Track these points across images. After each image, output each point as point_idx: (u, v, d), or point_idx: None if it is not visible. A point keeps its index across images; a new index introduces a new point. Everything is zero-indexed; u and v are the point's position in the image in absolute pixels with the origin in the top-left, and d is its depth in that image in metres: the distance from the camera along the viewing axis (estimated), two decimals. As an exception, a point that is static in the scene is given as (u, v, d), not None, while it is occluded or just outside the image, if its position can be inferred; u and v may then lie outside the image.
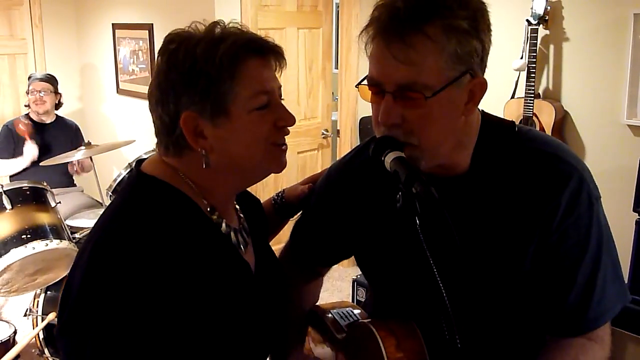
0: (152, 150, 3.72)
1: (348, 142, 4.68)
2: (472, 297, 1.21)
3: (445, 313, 1.04)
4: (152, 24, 4.41)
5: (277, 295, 1.30)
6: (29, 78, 4.30)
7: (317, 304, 1.57)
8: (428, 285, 1.08)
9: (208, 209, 1.16)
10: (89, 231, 3.28)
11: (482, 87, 1.13)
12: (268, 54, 1.14)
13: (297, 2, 4.34)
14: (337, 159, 4.76)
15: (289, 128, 1.17)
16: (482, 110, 1.26)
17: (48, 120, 4.27)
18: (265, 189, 4.35)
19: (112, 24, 4.91)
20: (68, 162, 4.10)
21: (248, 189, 1.35)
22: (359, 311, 1.48)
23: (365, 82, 1.14)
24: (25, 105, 4.30)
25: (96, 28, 5.20)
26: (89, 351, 1.01)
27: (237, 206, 1.30)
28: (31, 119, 4.21)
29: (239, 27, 1.15)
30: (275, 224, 1.54)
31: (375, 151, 1.11)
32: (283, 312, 1.32)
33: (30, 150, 4.02)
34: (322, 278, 1.62)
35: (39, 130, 4.19)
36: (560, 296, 1.19)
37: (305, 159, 4.67)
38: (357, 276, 3.78)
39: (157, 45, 4.40)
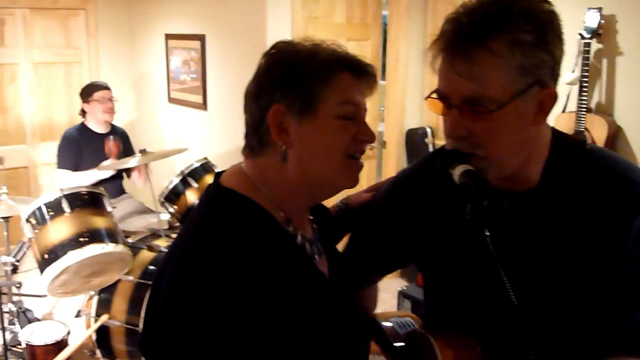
0: (203, 159, 3.82)
1: (394, 153, 4.69)
2: (537, 310, 1.22)
3: (518, 325, 1.05)
4: (204, 35, 4.51)
5: (350, 300, 1.33)
6: (89, 87, 4.18)
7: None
8: (493, 297, 1.09)
9: (285, 221, 1.18)
10: (140, 235, 3.39)
11: (552, 97, 1.13)
12: (363, 76, 1.18)
13: (346, 14, 4.39)
14: (383, 170, 4.80)
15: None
16: (554, 128, 1.26)
17: (106, 130, 4.22)
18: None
19: (165, 34, 5.03)
20: (130, 170, 4.13)
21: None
22: (418, 322, 1.50)
23: (434, 95, 1.17)
24: (80, 114, 4.25)
25: (149, 38, 5.34)
26: (177, 355, 1.05)
27: (311, 216, 1.31)
28: (88, 129, 4.17)
29: (339, 47, 1.19)
30: (339, 231, 1.56)
31: (443, 164, 1.13)
32: (358, 315, 1.35)
33: (90, 176, 3.95)
34: (377, 285, 1.63)
35: (96, 140, 4.14)
36: (626, 316, 1.19)
37: (350, 169, 4.67)
38: (403, 288, 3.78)
39: (209, 56, 4.55)
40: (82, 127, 4.18)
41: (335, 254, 1.37)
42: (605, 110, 3.47)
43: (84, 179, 3.91)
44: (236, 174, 1.20)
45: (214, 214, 1.15)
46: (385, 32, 4.71)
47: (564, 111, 3.51)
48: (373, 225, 1.48)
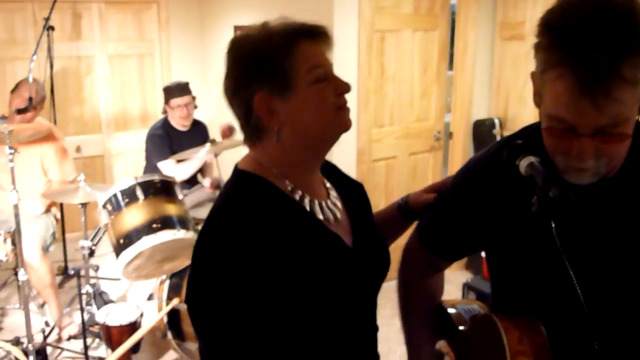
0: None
1: (461, 144, 4.64)
2: (607, 300, 1.21)
3: (583, 316, 1.05)
4: (272, 27, 4.54)
5: (377, 269, 1.40)
6: (169, 91, 4.21)
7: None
8: (560, 287, 1.09)
9: (290, 190, 1.29)
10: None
11: None
12: (318, 37, 1.28)
13: (413, 4, 4.35)
14: (449, 162, 4.76)
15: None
16: None
17: (186, 128, 4.31)
18: (376, 190, 4.42)
19: (234, 26, 5.11)
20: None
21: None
22: (485, 310, 1.50)
23: (548, 122, 1.14)
24: (163, 113, 4.32)
25: (218, 30, 5.44)
26: (202, 318, 1.19)
27: (329, 185, 1.42)
28: (170, 126, 4.26)
29: (288, 18, 1.29)
30: (398, 227, 1.60)
31: (509, 156, 1.14)
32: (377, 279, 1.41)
33: (183, 171, 4.09)
34: (443, 274, 1.64)
35: (178, 136, 4.25)
36: None
37: (416, 160, 4.67)
38: (468, 280, 3.76)
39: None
40: (165, 124, 4.27)
41: (366, 225, 1.45)
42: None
43: (186, 170, 4.13)
44: (247, 158, 1.33)
45: (229, 191, 1.30)
46: (453, 21, 4.66)
47: None
48: (446, 207, 1.48)
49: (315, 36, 1.27)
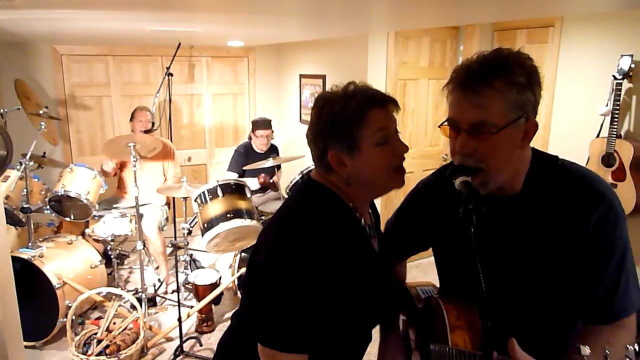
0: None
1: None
2: (514, 288, 1.18)
3: (482, 299, 1.03)
4: (325, 75, 4.60)
5: (390, 272, 1.40)
6: (255, 123, 4.20)
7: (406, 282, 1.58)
8: (475, 277, 1.07)
9: (354, 208, 1.22)
10: (271, 214, 3.53)
11: (534, 128, 1.11)
12: (387, 103, 1.18)
13: (429, 59, 4.29)
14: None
15: (409, 153, 1.19)
16: (533, 147, 1.22)
17: (264, 150, 4.28)
18: (397, 196, 4.35)
19: (299, 75, 5.18)
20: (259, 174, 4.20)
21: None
22: (437, 289, 1.47)
23: (445, 123, 1.15)
24: (248, 139, 4.33)
25: (289, 77, 5.51)
26: (268, 294, 1.10)
27: (370, 211, 1.35)
28: (251, 148, 4.26)
29: (367, 85, 1.20)
30: None
31: (450, 174, 1.12)
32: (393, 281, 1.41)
33: (254, 184, 4.09)
34: (405, 263, 1.61)
35: (255, 156, 4.20)
36: (591, 292, 1.13)
37: (428, 175, 4.59)
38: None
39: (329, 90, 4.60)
40: (248, 146, 4.27)
41: (383, 238, 1.39)
42: (632, 137, 3.15)
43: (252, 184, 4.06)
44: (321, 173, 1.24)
45: (305, 198, 1.21)
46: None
47: (597, 136, 3.22)
48: (400, 218, 1.48)
49: (384, 103, 1.16)
